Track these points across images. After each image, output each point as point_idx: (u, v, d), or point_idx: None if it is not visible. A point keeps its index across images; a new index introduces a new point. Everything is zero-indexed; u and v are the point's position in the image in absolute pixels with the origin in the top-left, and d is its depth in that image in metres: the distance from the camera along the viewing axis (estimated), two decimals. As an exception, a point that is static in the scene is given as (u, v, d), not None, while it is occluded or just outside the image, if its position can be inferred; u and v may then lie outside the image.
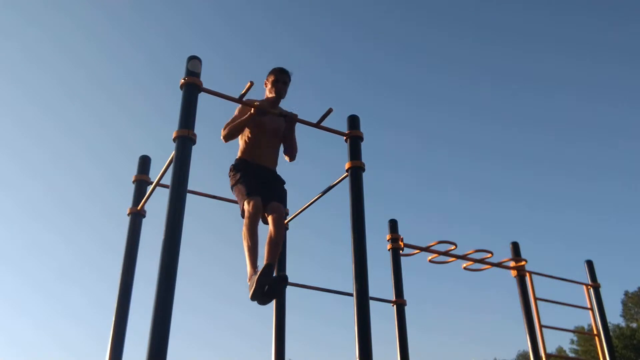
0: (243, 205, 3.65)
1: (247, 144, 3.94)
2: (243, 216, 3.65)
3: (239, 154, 3.99)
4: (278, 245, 3.62)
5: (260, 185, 3.74)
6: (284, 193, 3.95)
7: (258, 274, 3.32)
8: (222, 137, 3.83)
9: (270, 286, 3.38)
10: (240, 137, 3.99)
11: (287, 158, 4.07)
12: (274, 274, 3.50)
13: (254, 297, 3.37)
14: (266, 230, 3.71)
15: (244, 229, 3.57)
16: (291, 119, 3.88)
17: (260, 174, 3.85)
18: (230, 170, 3.94)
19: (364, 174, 3.59)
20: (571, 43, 64.08)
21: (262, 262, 3.51)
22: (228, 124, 3.83)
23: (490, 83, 69.23)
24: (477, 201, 68.04)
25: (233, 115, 3.89)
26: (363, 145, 3.72)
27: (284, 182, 4.01)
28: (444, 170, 70.52)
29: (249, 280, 3.42)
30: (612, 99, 60.69)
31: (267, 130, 3.93)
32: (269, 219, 3.71)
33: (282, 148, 4.09)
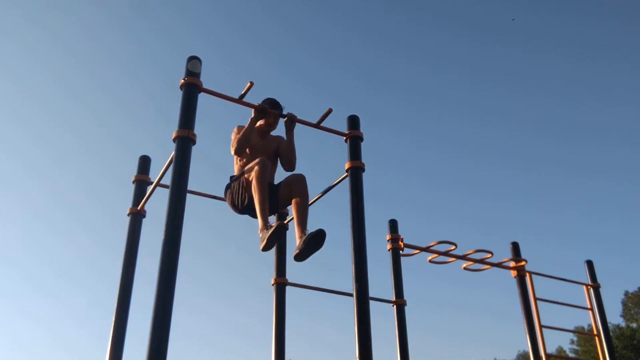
0: (251, 167, 3.79)
1: (245, 163, 4.02)
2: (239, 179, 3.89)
3: (235, 172, 4.10)
4: (306, 207, 3.79)
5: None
6: None
7: (271, 231, 3.52)
8: (233, 153, 3.93)
9: (308, 245, 3.53)
10: (235, 159, 4.11)
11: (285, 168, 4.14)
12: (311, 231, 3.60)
13: (264, 250, 3.61)
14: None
15: (255, 183, 3.69)
16: (291, 120, 3.94)
17: None
18: (226, 187, 4.04)
19: (364, 174, 3.59)
20: (572, 43, 64.08)
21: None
22: (235, 139, 3.91)
23: (490, 83, 69.23)
24: (477, 201, 68.08)
25: (234, 133, 3.99)
26: (363, 145, 3.72)
27: None
28: (444, 170, 70.56)
29: (260, 232, 3.62)
30: (612, 98, 60.69)
31: (264, 150, 4.04)
32: (291, 188, 3.86)
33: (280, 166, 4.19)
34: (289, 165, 4.06)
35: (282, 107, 4.12)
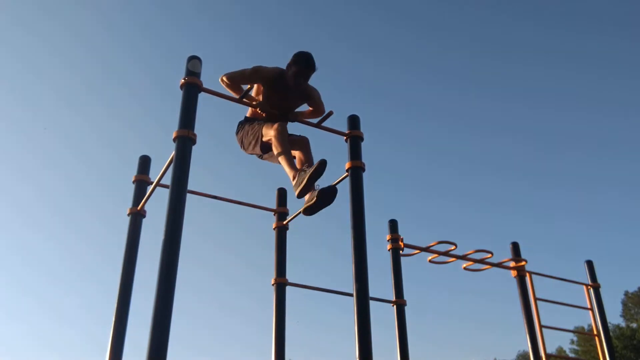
0: (267, 130, 3.76)
1: (259, 112, 4.01)
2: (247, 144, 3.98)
3: (248, 114, 4.13)
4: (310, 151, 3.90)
5: None
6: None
7: (312, 169, 3.42)
8: (220, 79, 3.79)
9: (322, 194, 3.48)
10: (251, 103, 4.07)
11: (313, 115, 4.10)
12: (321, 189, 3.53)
13: (301, 195, 3.51)
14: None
15: (275, 142, 3.66)
16: (294, 119, 3.97)
17: None
18: (239, 124, 4.10)
19: (364, 174, 3.59)
20: (571, 55, 64.01)
21: None
22: (234, 77, 3.79)
23: (488, 94, 69.13)
24: (477, 202, 68.08)
25: (244, 72, 3.82)
26: (363, 146, 3.72)
27: None
28: (444, 170, 70.55)
29: (293, 179, 3.53)
30: (610, 108, 60.74)
31: (280, 99, 3.94)
32: (294, 146, 3.89)
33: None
34: (319, 114, 4.05)
35: (315, 69, 3.93)
